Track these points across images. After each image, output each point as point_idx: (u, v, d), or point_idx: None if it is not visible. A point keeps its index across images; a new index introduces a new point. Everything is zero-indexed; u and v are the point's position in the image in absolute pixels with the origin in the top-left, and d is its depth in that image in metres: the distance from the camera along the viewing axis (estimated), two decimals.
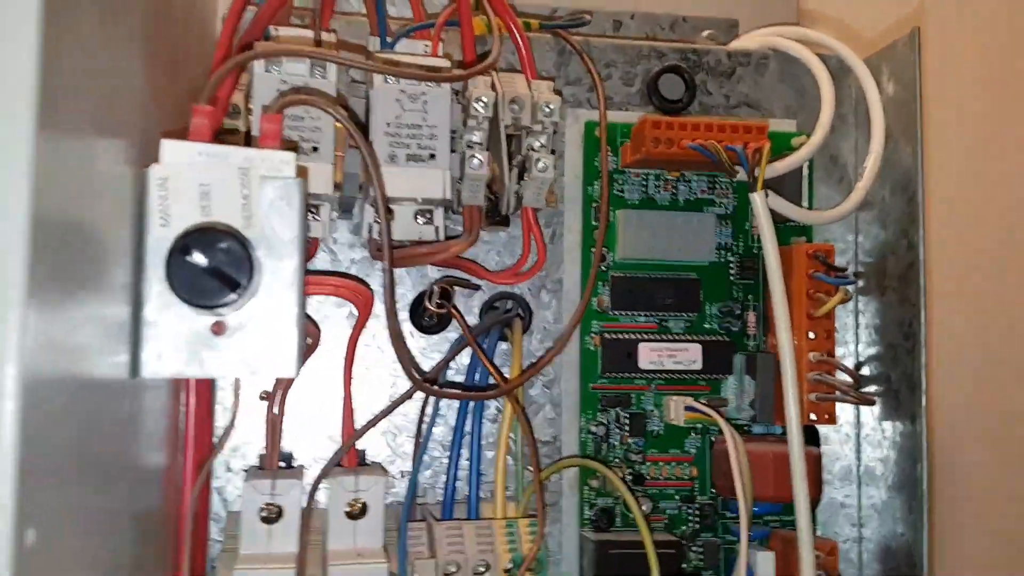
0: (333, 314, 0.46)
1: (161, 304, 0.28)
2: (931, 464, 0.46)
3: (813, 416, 0.46)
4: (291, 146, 0.34)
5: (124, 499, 0.30)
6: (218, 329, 0.29)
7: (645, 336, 0.48)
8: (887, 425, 0.49)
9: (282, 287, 0.29)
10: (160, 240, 0.28)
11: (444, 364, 0.44)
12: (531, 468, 0.43)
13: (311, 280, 0.39)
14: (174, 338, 0.28)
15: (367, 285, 0.42)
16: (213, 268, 0.27)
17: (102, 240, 0.28)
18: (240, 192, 0.29)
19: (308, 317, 0.41)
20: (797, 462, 0.42)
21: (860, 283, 0.51)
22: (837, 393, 0.44)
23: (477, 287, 0.47)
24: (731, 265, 0.49)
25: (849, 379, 0.45)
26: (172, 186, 0.29)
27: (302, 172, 0.31)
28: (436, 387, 0.43)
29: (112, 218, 0.28)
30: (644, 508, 0.46)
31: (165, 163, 0.29)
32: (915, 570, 0.46)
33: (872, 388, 0.50)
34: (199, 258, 0.27)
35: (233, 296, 0.27)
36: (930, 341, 0.47)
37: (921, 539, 0.45)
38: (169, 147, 0.29)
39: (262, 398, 0.44)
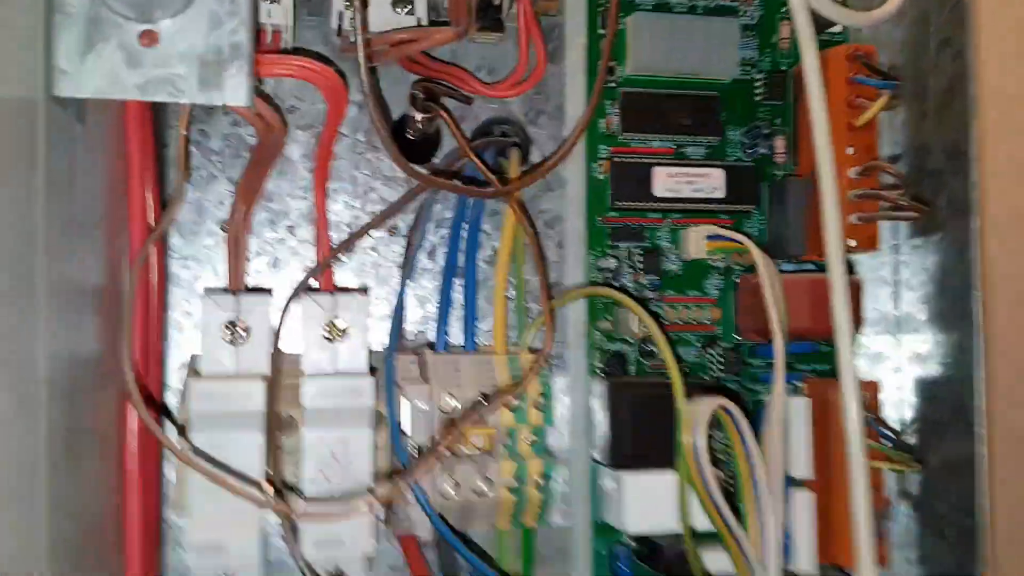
0: (298, 138, 0.40)
1: (80, 7, 0.22)
2: (985, 296, 0.41)
3: (853, 242, 0.40)
4: None
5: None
6: (148, 40, 0.23)
7: (660, 161, 0.42)
8: (931, 261, 0.44)
9: None
10: None
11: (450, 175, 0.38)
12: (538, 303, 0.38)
13: (271, 59, 0.33)
14: (95, 50, 0.23)
15: (339, 71, 0.36)
16: None
17: None
18: None
19: (270, 100, 0.35)
20: (838, 278, 0.36)
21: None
22: (881, 207, 0.39)
23: (468, 99, 0.41)
24: (756, 83, 0.44)
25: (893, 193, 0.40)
26: None
27: None
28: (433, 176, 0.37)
29: None
30: None
31: None
32: (966, 415, 0.41)
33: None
34: None
35: None
36: (982, 158, 0.41)
37: (978, 378, 0.40)
38: None
39: (223, 229, 0.38)
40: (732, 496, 0.35)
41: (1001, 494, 0.41)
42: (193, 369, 0.34)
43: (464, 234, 0.40)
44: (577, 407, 0.41)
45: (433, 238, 0.42)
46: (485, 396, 0.35)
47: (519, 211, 0.37)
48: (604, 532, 0.41)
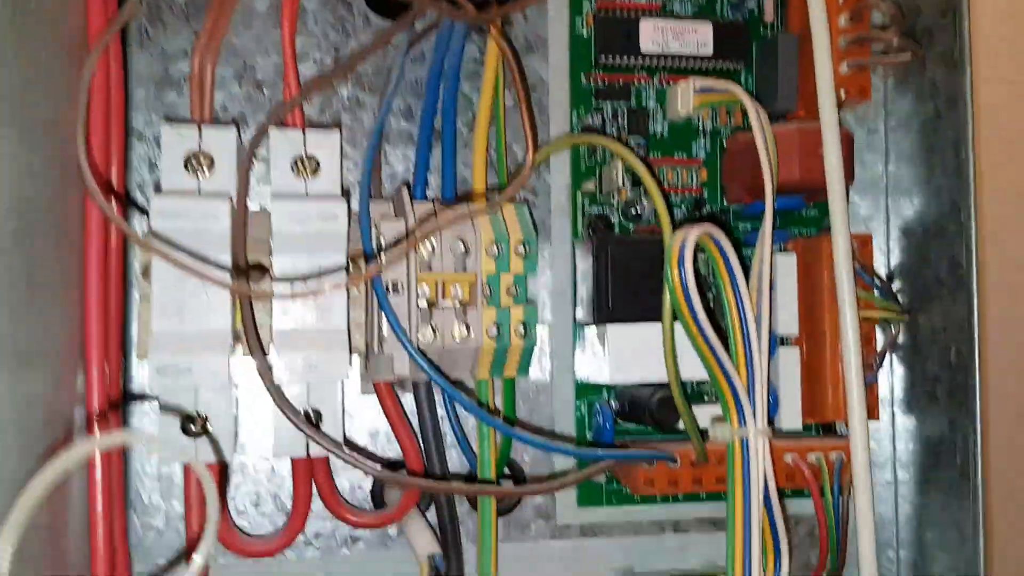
0: None
1: None
2: (977, 152, 0.40)
3: (843, 93, 0.39)
4: None
5: None
6: None
7: (647, 13, 0.41)
8: (921, 119, 0.42)
9: None
10: None
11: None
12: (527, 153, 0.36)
13: None
14: None
15: None
16: None
17: None
18: None
19: None
20: (830, 123, 0.35)
21: None
22: (873, 51, 0.38)
23: None
24: None
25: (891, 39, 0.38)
26: None
27: None
28: None
29: None
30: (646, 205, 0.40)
31: None
32: (959, 273, 0.40)
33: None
34: None
35: None
36: (973, 15, 0.40)
37: (971, 235, 0.39)
38: None
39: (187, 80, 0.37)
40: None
41: (994, 352, 0.40)
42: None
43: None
44: (560, 276, 0.41)
45: (410, 100, 0.40)
46: (465, 245, 0.34)
47: (501, 40, 0.35)
48: (586, 392, 0.40)
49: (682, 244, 0.31)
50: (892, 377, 0.44)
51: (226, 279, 0.27)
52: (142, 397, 0.36)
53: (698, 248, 0.33)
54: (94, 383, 0.29)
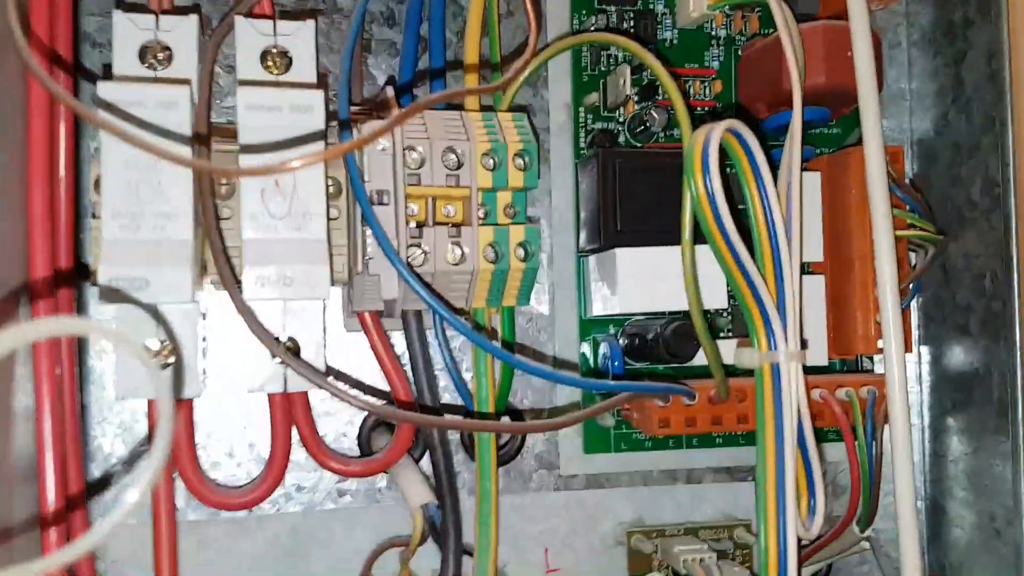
0: None
1: None
2: (1013, 59, 0.37)
3: None
4: None
5: None
6: None
7: None
8: (939, 34, 0.39)
9: None
10: None
11: None
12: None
13: None
14: None
15: None
16: None
17: None
18: None
19: None
20: (859, 10, 0.32)
21: None
22: None
23: None
24: None
25: None
26: None
27: None
28: None
29: None
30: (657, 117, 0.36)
31: None
32: (996, 190, 0.37)
33: None
34: None
35: None
36: None
37: (1006, 151, 0.36)
38: None
39: None
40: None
41: None
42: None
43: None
44: (561, 203, 0.37)
45: (393, 5, 0.37)
46: (456, 158, 0.30)
47: None
48: (591, 329, 0.36)
49: (705, 143, 0.28)
50: (917, 310, 0.41)
51: (185, 154, 0.23)
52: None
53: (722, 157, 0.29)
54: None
